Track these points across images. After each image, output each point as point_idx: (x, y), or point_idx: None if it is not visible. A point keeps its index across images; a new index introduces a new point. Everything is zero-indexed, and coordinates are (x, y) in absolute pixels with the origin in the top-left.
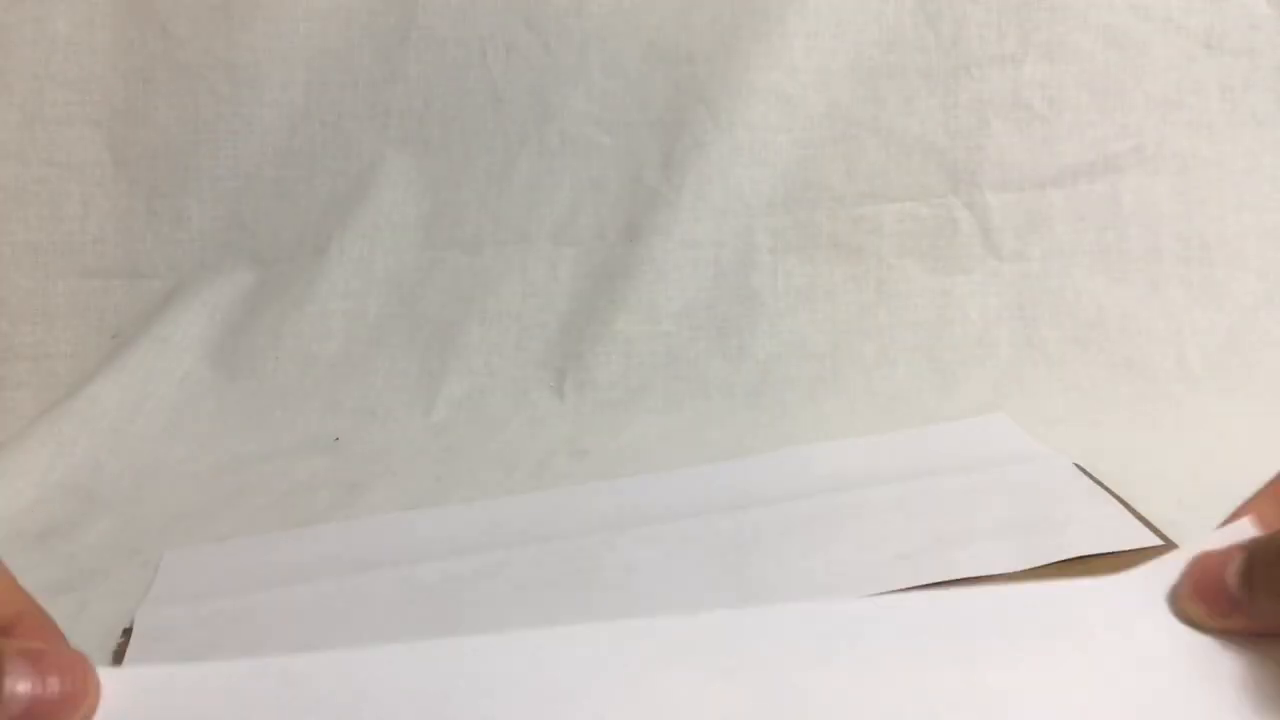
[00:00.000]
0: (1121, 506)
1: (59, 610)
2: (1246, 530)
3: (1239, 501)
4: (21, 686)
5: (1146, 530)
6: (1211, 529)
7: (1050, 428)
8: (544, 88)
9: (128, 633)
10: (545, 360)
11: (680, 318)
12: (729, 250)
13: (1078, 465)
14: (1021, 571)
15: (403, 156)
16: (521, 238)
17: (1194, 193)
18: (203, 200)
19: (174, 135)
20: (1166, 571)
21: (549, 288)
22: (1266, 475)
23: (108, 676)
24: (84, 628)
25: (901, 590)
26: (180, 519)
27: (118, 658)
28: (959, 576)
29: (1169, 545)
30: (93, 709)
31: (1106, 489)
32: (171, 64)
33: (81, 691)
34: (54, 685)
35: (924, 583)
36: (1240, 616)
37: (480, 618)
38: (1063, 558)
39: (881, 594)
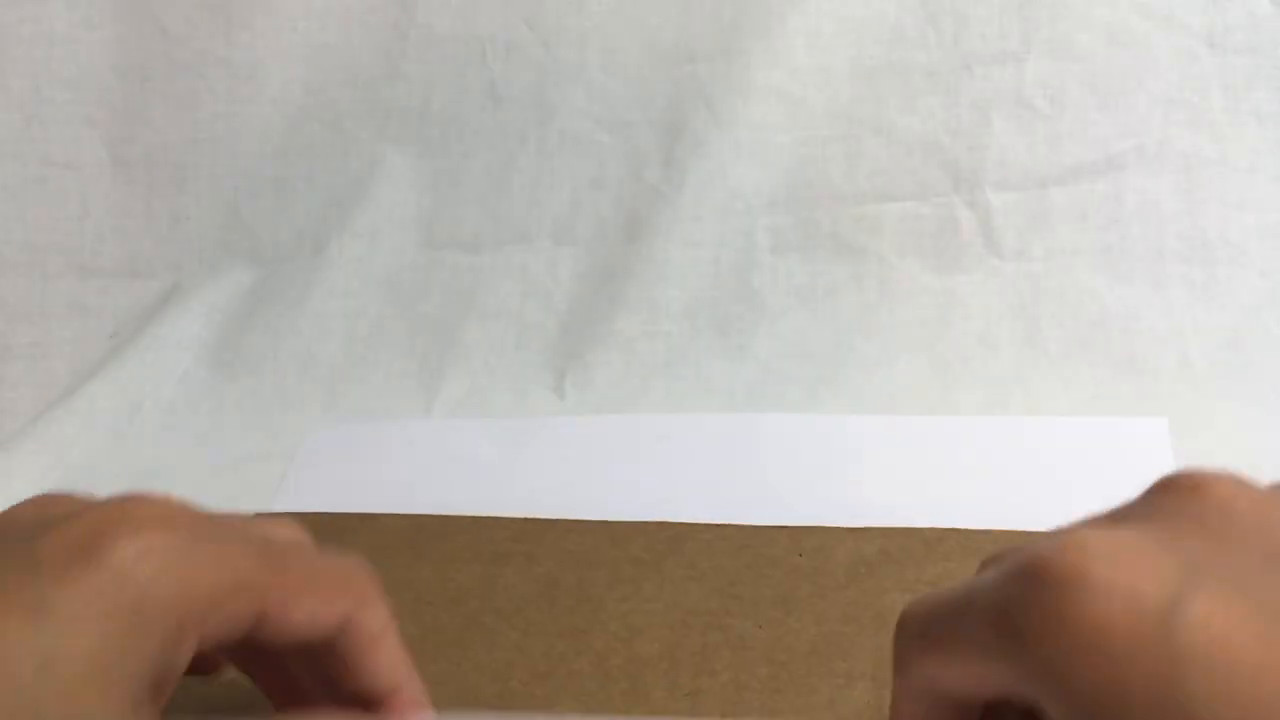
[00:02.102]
0: None
1: None
2: None
3: None
4: None
5: None
6: None
7: None
8: (544, 86)
9: None
10: (545, 360)
11: (681, 317)
12: (730, 249)
13: None
14: None
15: (402, 155)
16: (521, 237)
17: (1196, 192)
18: (201, 199)
19: (172, 134)
20: None
21: (548, 287)
22: (1268, 473)
23: None
24: None
25: None
26: None
27: None
28: None
29: None
30: None
31: None
32: (170, 63)
33: None
34: None
35: None
36: None
37: None
38: None
39: None
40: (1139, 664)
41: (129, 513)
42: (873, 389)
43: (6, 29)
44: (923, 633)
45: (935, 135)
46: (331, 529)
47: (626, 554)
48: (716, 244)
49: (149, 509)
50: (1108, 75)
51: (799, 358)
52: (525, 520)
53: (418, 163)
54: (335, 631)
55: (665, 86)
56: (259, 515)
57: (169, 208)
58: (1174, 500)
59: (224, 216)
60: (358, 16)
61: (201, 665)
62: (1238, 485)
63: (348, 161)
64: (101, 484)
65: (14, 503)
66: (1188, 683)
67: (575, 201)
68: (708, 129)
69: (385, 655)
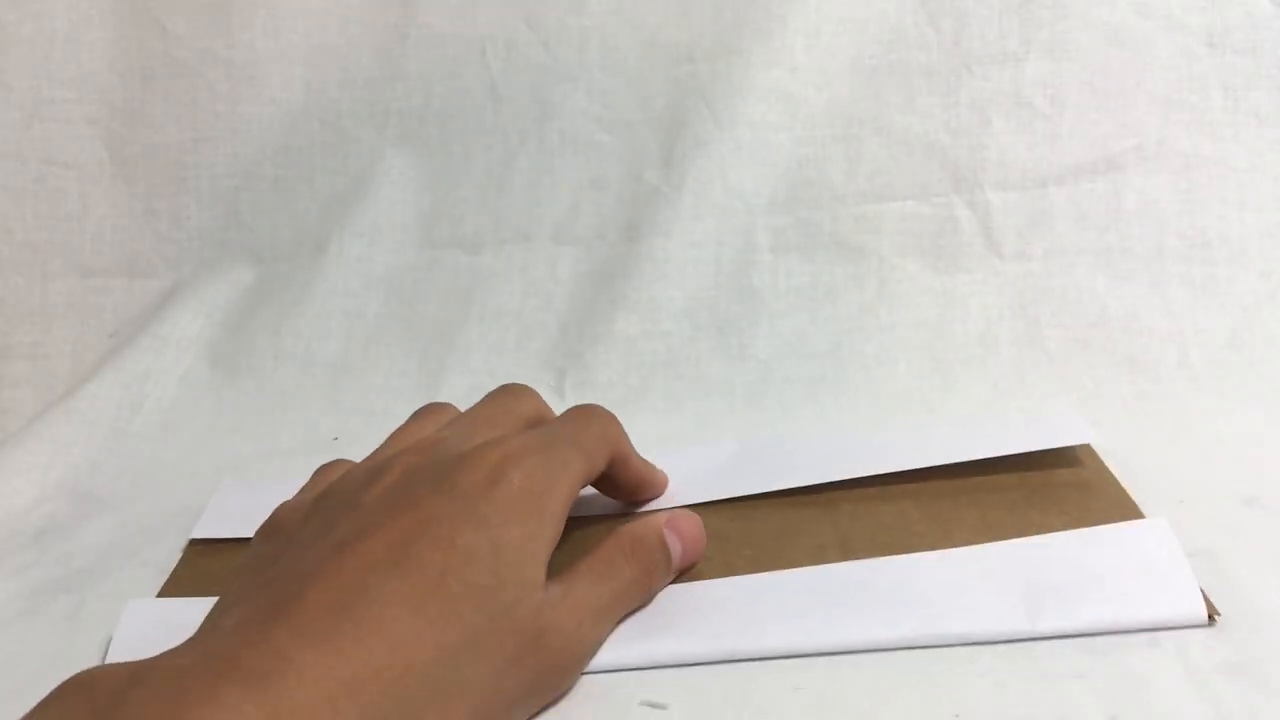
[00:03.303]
0: None
1: (56, 610)
2: None
3: (1240, 500)
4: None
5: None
6: (1216, 525)
7: None
8: (544, 86)
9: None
10: (545, 360)
11: (681, 317)
12: (730, 249)
13: None
14: None
15: (402, 155)
16: (521, 237)
17: (1196, 192)
18: (201, 199)
19: (172, 134)
20: None
21: (549, 287)
22: (1268, 473)
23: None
24: (81, 627)
25: None
26: (179, 519)
27: None
28: None
29: None
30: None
31: None
32: (170, 62)
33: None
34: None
35: None
36: None
37: None
38: None
39: None
40: None
41: (511, 448)
42: (873, 388)
43: (7, 28)
44: None
45: (935, 135)
46: None
47: None
48: (716, 244)
49: (520, 444)
50: (1107, 75)
51: (799, 358)
52: None
53: (418, 162)
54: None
55: (665, 86)
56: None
57: (169, 207)
58: None
59: (224, 216)
60: (358, 16)
61: None
62: None
63: (348, 161)
64: (101, 483)
65: (14, 504)
66: None
67: (575, 201)
68: (707, 129)
69: (633, 469)
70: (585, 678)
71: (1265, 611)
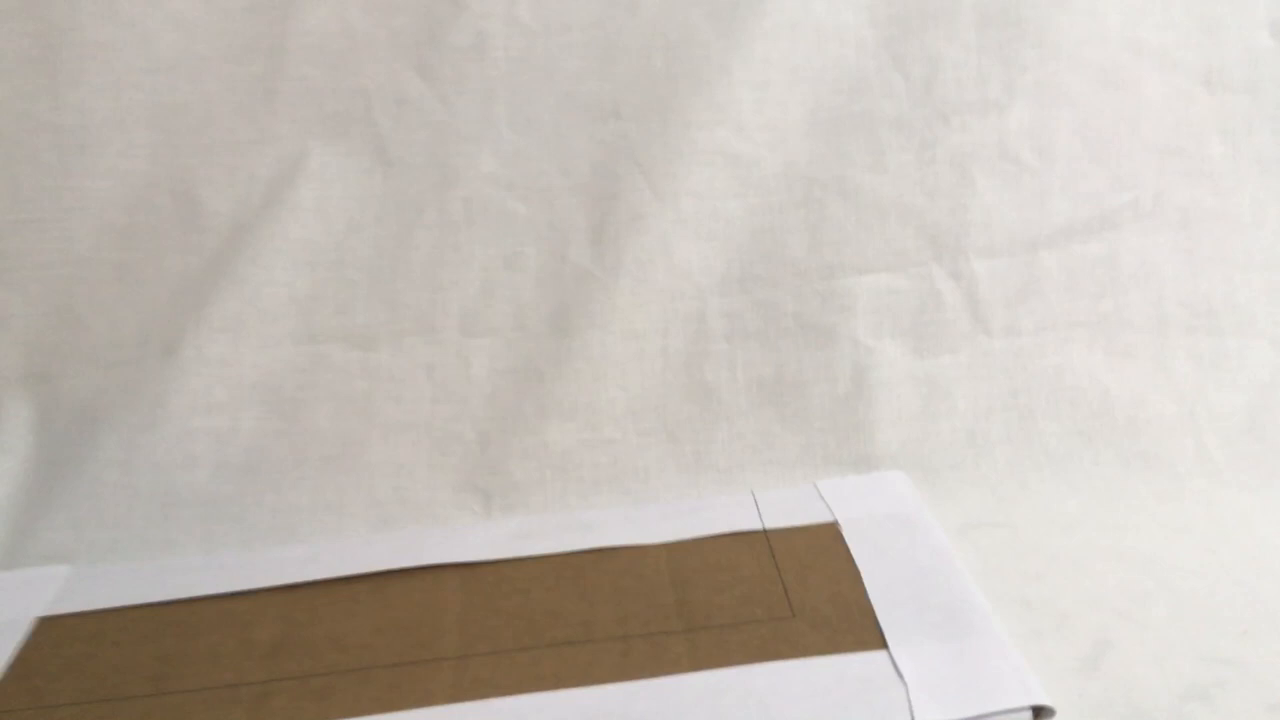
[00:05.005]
0: None
1: None
2: None
3: None
4: None
5: None
6: None
7: (1067, 535)
8: (442, 147)
9: None
10: (466, 480)
11: (624, 422)
12: (678, 339)
13: None
14: None
15: (272, 230)
16: (424, 328)
17: (1197, 250)
18: (28, 293)
19: None
20: None
21: (463, 390)
22: None
23: None
24: None
25: None
26: None
27: None
28: None
29: None
30: None
31: None
32: None
33: None
34: None
35: None
36: None
37: None
38: None
39: None
40: None
41: None
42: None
43: None
44: None
45: (909, 197)
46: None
47: None
48: (662, 333)
49: None
50: (1099, 122)
51: (763, 465)
52: None
53: (291, 239)
54: None
55: (588, 148)
56: None
57: None
58: None
59: (55, 312)
60: (215, 68)
61: None
62: None
63: (205, 239)
64: None
65: None
66: None
67: (487, 284)
68: (643, 198)
69: None
70: None
71: None
